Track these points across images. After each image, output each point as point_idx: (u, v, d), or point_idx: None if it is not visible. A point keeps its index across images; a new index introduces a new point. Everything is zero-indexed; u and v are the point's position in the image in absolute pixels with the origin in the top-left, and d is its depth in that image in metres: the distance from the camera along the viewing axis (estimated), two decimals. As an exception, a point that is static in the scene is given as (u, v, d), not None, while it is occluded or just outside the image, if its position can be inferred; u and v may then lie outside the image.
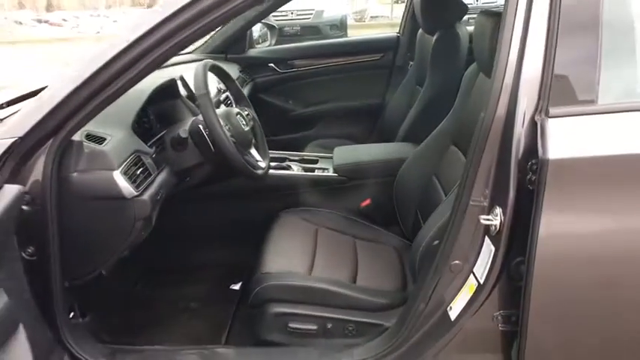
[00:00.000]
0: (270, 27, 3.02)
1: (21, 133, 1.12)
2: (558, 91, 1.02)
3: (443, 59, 2.16)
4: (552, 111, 1.02)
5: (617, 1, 1.04)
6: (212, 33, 2.54)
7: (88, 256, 1.39)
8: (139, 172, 1.37)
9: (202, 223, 2.11)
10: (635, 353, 1.15)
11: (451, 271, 1.23)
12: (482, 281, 1.17)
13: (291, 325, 1.50)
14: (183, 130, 1.57)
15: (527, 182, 1.05)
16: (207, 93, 1.53)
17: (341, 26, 8.10)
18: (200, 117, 1.58)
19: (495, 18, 1.30)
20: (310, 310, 1.51)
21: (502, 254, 1.12)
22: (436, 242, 1.33)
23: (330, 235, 1.82)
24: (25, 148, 1.14)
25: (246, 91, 2.02)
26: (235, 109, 1.70)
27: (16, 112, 1.26)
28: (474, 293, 1.19)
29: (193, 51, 2.56)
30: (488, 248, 1.16)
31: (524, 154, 1.05)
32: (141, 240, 1.49)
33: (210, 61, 1.71)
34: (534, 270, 1.05)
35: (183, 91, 1.85)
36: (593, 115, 1.03)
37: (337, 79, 2.91)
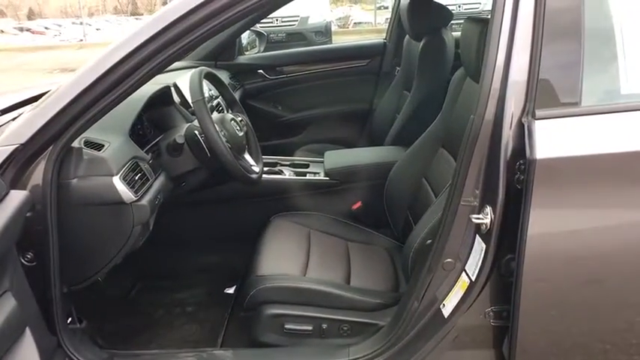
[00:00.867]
0: (259, 34, 3.06)
1: (22, 140, 1.14)
2: (544, 94, 1.07)
3: (430, 64, 2.21)
4: (538, 113, 1.06)
5: (597, 7, 1.09)
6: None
7: (87, 262, 1.40)
8: (137, 177, 1.39)
9: (196, 228, 2.12)
10: (621, 348, 1.20)
11: (444, 269, 1.27)
12: (474, 278, 1.21)
13: (286, 326, 1.53)
14: (179, 136, 1.59)
15: (515, 182, 1.09)
16: (204, 99, 1.56)
17: (326, 32, 8.19)
18: (195, 123, 1.61)
19: (482, 24, 1.35)
20: (305, 310, 1.53)
21: (493, 252, 1.16)
22: (429, 242, 1.37)
23: (322, 237, 1.85)
24: (26, 154, 1.15)
25: (236, 97, 2.05)
26: (229, 115, 1.73)
27: (14, 118, 1.28)
28: (467, 290, 1.23)
29: (184, 58, 2.58)
30: (479, 246, 1.20)
31: (513, 155, 1.09)
32: (139, 245, 1.50)
33: (206, 69, 1.74)
34: (524, 267, 1.09)
35: (176, 98, 1.88)
36: (578, 117, 1.07)
37: (325, 85, 2.96)
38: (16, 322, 1.04)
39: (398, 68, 2.76)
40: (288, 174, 2.14)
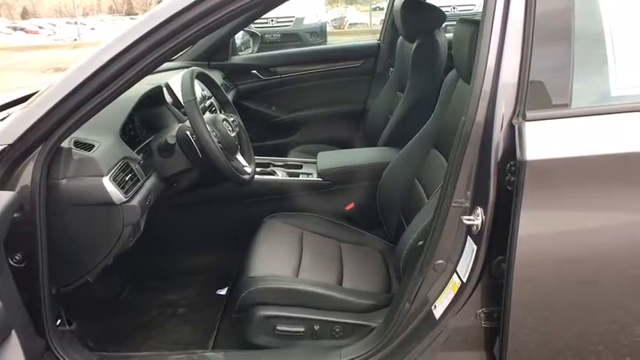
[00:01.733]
0: (253, 34, 3.05)
1: (10, 140, 1.13)
2: (534, 96, 1.07)
3: (423, 66, 2.21)
4: (529, 114, 1.06)
5: (588, 10, 1.10)
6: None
7: (76, 263, 1.39)
8: (127, 178, 1.38)
9: (188, 228, 2.11)
10: (612, 349, 1.20)
11: (435, 271, 1.27)
12: (465, 279, 1.21)
13: (278, 327, 1.53)
14: (170, 137, 1.59)
15: (506, 183, 1.10)
16: (195, 99, 1.55)
17: (321, 33, 8.19)
18: (187, 123, 1.60)
19: (474, 26, 1.35)
20: (297, 312, 1.53)
21: (484, 253, 1.16)
22: (420, 243, 1.37)
23: (315, 238, 1.85)
24: (14, 155, 1.14)
25: (229, 97, 2.04)
26: (221, 116, 1.72)
27: (3, 118, 1.27)
28: (458, 291, 1.23)
29: (177, 58, 2.57)
30: (470, 247, 1.20)
31: (504, 157, 1.09)
32: (129, 246, 1.49)
33: (197, 69, 1.73)
34: (514, 268, 1.09)
35: (168, 98, 1.87)
36: (568, 119, 1.08)
37: (319, 86, 2.96)
38: (1, 325, 1.02)
39: (392, 69, 2.77)
40: (280, 175, 2.13)
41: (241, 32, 2.89)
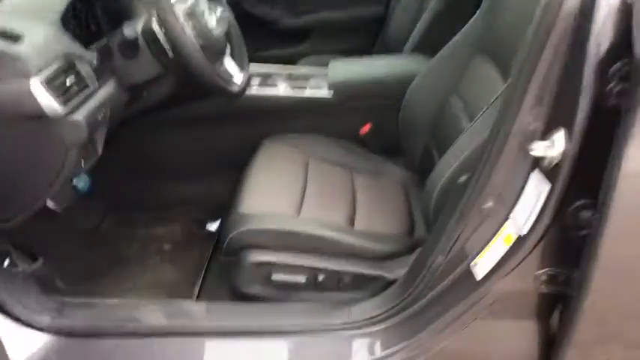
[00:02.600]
0: None
1: None
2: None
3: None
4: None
5: None
6: None
7: (11, 194, 1.09)
8: (69, 82, 1.03)
9: (175, 151, 1.79)
10: None
11: (481, 217, 0.94)
12: (524, 230, 0.88)
13: (274, 276, 1.23)
14: (131, 29, 1.21)
15: (606, 96, 0.73)
16: None
17: None
18: (155, 12, 1.21)
19: None
20: (297, 259, 1.24)
21: (558, 195, 0.82)
22: (462, 179, 1.02)
23: (323, 167, 1.51)
24: None
25: None
26: (204, 4, 1.32)
27: None
28: (513, 246, 0.91)
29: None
30: (536, 187, 0.86)
31: (607, 55, 0.72)
32: (82, 172, 1.18)
33: None
34: (609, 217, 0.75)
35: None
36: None
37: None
38: None
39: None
40: (283, 88, 1.74)
41: None
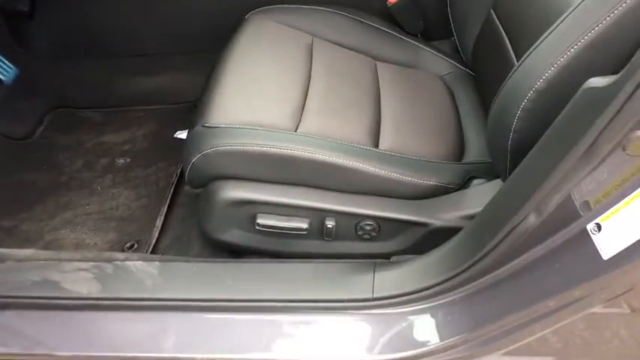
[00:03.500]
0: None
1: None
2: None
3: None
4: None
5: None
6: None
7: None
8: None
9: (136, 28, 1.36)
10: None
11: (625, 153, 0.51)
12: None
13: (261, 219, 0.83)
14: None
15: None
16: None
17: None
18: None
19: None
20: (295, 196, 0.83)
21: None
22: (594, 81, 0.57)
23: (333, 52, 1.05)
24: None
25: None
26: None
27: None
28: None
29: None
30: None
31: None
32: None
33: None
34: None
35: None
36: None
37: None
38: None
39: None
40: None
41: None
